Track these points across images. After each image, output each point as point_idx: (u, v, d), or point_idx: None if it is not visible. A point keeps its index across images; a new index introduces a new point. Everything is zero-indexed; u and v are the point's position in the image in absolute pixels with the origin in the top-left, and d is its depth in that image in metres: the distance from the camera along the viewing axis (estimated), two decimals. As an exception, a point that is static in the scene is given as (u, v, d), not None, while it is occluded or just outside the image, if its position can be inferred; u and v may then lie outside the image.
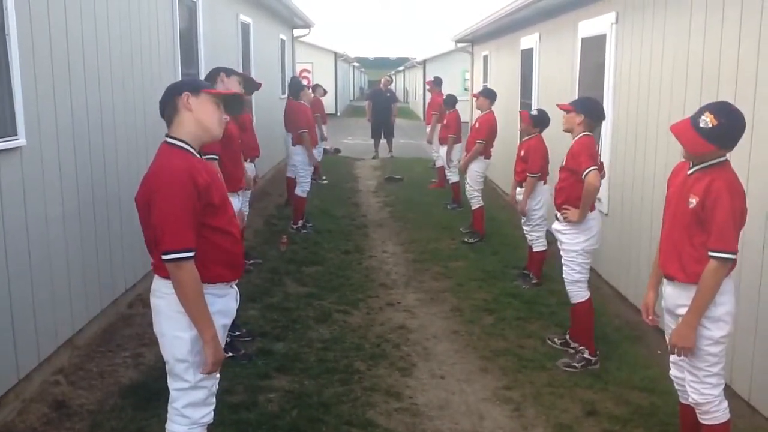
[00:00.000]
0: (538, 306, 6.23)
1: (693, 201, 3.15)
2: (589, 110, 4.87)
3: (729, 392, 3.36)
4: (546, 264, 6.91)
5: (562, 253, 5.10)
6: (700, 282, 3.14)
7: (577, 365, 4.91)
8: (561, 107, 4.95)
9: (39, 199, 4.32)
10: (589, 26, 7.27)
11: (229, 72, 5.01)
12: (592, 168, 4.69)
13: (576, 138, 4.86)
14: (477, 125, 8.79)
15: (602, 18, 6.81)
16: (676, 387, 3.54)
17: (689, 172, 3.25)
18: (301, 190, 9.04)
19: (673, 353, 3.28)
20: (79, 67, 4.86)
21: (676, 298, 3.30)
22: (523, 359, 5.07)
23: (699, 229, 3.15)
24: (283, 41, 15.44)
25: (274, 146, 12.21)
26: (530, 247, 6.98)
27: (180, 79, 7.01)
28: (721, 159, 3.18)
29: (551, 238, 7.29)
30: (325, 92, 14.33)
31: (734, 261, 3.13)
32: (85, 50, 4.95)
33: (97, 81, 5.15)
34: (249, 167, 6.75)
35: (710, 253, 3.10)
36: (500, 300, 6.40)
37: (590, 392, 4.57)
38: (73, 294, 4.76)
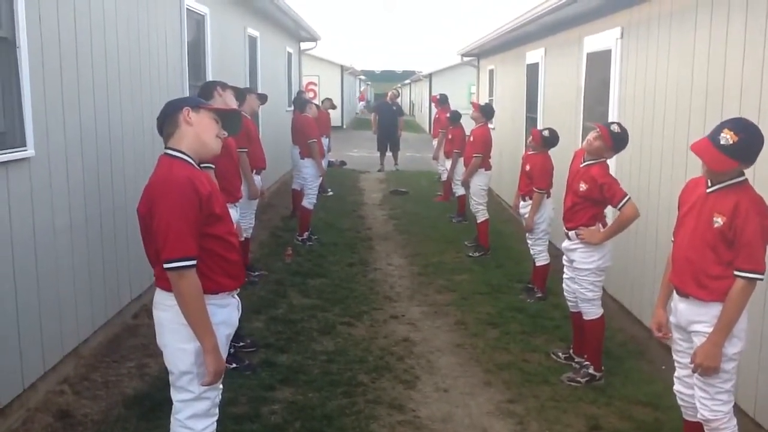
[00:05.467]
0: (542, 320, 6.22)
1: (719, 220, 3.14)
2: (620, 146, 4.80)
3: (734, 408, 3.34)
4: (550, 278, 6.91)
5: (568, 271, 5.08)
6: (727, 301, 3.13)
7: (581, 380, 4.89)
8: (602, 131, 4.72)
9: (47, 210, 4.35)
10: (595, 41, 7.31)
11: (224, 86, 5.04)
12: (628, 198, 4.65)
13: (593, 164, 4.77)
14: (471, 138, 8.86)
15: (607, 33, 6.85)
16: (680, 403, 3.53)
17: (709, 191, 3.24)
18: (309, 202, 9.07)
19: (696, 372, 3.25)
20: (87, 79, 4.92)
21: (691, 314, 3.29)
22: (527, 373, 5.06)
23: (725, 247, 3.15)
24: (290, 54, 15.54)
25: (279, 158, 12.27)
26: (534, 261, 6.98)
27: (187, 91, 7.07)
28: (742, 177, 3.19)
29: (554, 252, 7.30)
30: (333, 106, 14.38)
31: (761, 280, 3.13)
32: (94, 63, 5.01)
33: (105, 93, 5.20)
34: (256, 179, 6.78)
35: (738, 273, 3.11)
36: (504, 314, 6.40)
37: (594, 407, 4.55)
38: (79, 304, 4.78)
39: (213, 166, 4.55)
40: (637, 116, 5.98)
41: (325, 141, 13.22)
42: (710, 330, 3.18)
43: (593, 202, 4.79)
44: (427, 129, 31.89)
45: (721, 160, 3.10)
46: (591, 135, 4.80)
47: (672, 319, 3.44)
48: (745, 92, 4.21)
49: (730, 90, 4.40)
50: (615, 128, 4.78)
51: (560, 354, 5.33)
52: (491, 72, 14.76)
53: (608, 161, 4.88)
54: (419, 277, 7.69)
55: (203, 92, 4.92)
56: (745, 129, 3.13)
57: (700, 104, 4.80)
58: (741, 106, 4.22)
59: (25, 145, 4.06)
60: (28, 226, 4.13)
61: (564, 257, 5.14)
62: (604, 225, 4.88)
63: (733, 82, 4.35)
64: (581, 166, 4.84)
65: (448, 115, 11.53)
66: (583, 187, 4.77)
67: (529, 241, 6.93)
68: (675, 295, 3.41)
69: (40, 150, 4.21)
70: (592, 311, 4.93)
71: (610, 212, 5.14)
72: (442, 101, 13.51)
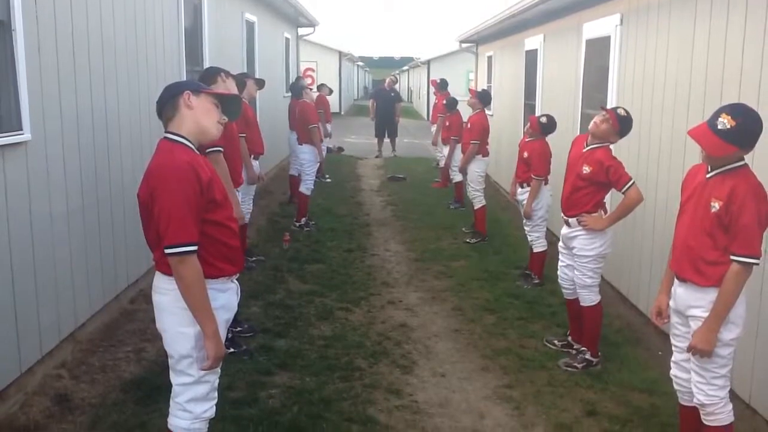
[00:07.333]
0: (539, 306, 6.24)
1: (716, 205, 3.14)
2: (626, 130, 4.79)
3: (729, 394, 3.36)
4: (547, 264, 6.92)
5: (565, 259, 5.08)
6: (722, 286, 3.15)
7: (578, 365, 4.91)
8: (609, 115, 4.73)
9: (43, 194, 4.34)
10: (594, 28, 7.28)
11: (228, 74, 5.00)
12: (632, 182, 4.65)
13: (597, 147, 4.75)
14: (469, 125, 8.85)
15: (607, 20, 6.82)
16: (676, 388, 3.55)
17: (708, 176, 3.24)
18: (306, 187, 9.06)
19: (689, 353, 3.28)
20: (84, 63, 4.89)
21: (688, 299, 3.31)
22: (524, 359, 5.08)
23: (722, 232, 3.15)
24: (287, 40, 15.46)
25: (277, 144, 12.23)
26: (531, 248, 6.99)
27: (184, 76, 7.04)
28: (741, 162, 3.18)
29: (552, 238, 7.31)
30: (330, 91, 14.34)
31: (756, 265, 3.14)
32: (90, 46, 4.97)
33: (102, 77, 5.17)
34: (254, 164, 6.77)
35: (734, 258, 3.11)
36: (502, 300, 6.41)
37: (591, 392, 4.57)
38: (76, 289, 4.78)
39: (221, 149, 4.55)
40: (636, 103, 5.97)
41: (328, 127, 13.22)
42: (707, 315, 3.20)
43: (597, 186, 4.77)
44: (425, 116, 31.84)
45: (718, 145, 3.10)
46: (597, 118, 4.79)
47: (671, 303, 3.46)
48: (744, 80, 4.20)
49: (729, 78, 4.39)
50: (621, 112, 4.78)
51: (556, 342, 5.35)
52: (490, 59, 14.71)
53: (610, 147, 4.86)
54: (417, 263, 7.70)
55: (206, 77, 4.86)
56: (743, 114, 3.12)
57: (700, 92, 4.78)
58: (740, 93, 4.21)
59: (21, 129, 4.04)
60: (24, 210, 4.11)
61: (560, 244, 5.14)
62: (606, 212, 4.88)
63: (733, 69, 4.34)
64: (585, 150, 4.82)
65: (445, 101, 11.49)
66: (586, 169, 4.74)
67: (526, 228, 6.94)
68: (675, 280, 3.43)
69: (36, 134, 4.19)
70: (590, 298, 4.94)
71: (609, 201, 5.13)
72: (441, 86, 13.42)
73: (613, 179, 4.68)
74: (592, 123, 4.83)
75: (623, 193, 4.68)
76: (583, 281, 4.90)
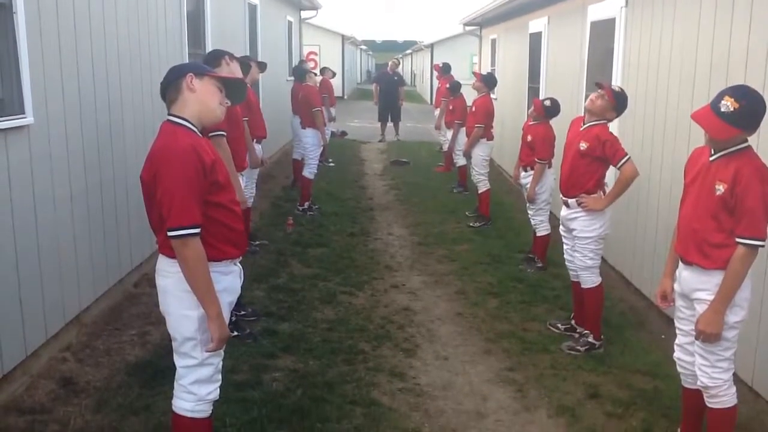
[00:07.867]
0: (542, 290, 6.24)
1: (720, 188, 3.13)
2: (622, 106, 4.80)
3: (732, 377, 3.36)
4: (550, 248, 6.92)
5: (567, 240, 5.09)
6: (728, 268, 3.14)
7: (580, 349, 4.92)
8: (605, 90, 4.77)
9: (46, 178, 4.34)
10: (599, 10, 7.22)
11: (232, 56, 4.97)
12: (627, 157, 4.65)
13: (595, 124, 4.76)
14: (473, 109, 8.82)
15: (612, 1, 6.76)
16: (680, 370, 3.56)
17: (711, 159, 3.23)
18: (309, 171, 9.05)
19: (698, 339, 3.27)
20: (86, 46, 4.87)
21: (694, 282, 3.30)
22: (527, 342, 5.09)
23: (726, 215, 3.14)
24: (290, 23, 15.38)
25: (280, 128, 12.20)
26: (534, 232, 6.99)
27: (186, 59, 7.00)
28: (745, 144, 3.17)
29: (555, 222, 7.30)
30: (333, 74, 14.29)
31: (762, 247, 3.13)
32: (92, 30, 4.95)
33: (104, 60, 5.15)
34: (256, 147, 6.76)
35: (739, 240, 3.11)
36: (505, 283, 6.42)
37: (593, 375, 4.58)
38: (80, 272, 4.79)
39: (224, 134, 4.54)
40: (640, 86, 5.93)
41: (332, 111, 13.17)
42: (712, 298, 3.19)
43: (596, 164, 4.77)
44: (429, 100, 31.74)
45: (721, 127, 3.08)
46: (593, 95, 4.81)
47: (676, 286, 3.46)
48: (750, 62, 4.17)
49: (735, 60, 4.35)
50: (616, 88, 4.82)
51: (559, 325, 5.35)
52: (493, 42, 14.62)
53: (612, 129, 4.85)
54: (420, 247, 7.70)
55: (210, 59, 4.84)
56: (746, 96, 3.10)
57: (705, 74, 4.75)
58: (746, 75, 4.17)
59: (24, 113, 4.03)
60: (28, 194, 4.12)
61: (561, 227, 5.13)
62: (605, 193, 4.88)
63: (739, 52, 4.30)
64: (582, 129, 4.83)
65: (448, 85, 11.44)
66: (583, 145, 4.75)
67: (530, 212, 6.93)
68: (680, 263, 3.42)
69: (39, 117, 4.18)
70: (591, 279, 4.95)
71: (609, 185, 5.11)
72: (445, 70, 13.36)
73: (609, 153, 4.69)
74: (588, 100, 4.84)
75: (619, 168, 4.69)
76: (584, 263, 4.91)
